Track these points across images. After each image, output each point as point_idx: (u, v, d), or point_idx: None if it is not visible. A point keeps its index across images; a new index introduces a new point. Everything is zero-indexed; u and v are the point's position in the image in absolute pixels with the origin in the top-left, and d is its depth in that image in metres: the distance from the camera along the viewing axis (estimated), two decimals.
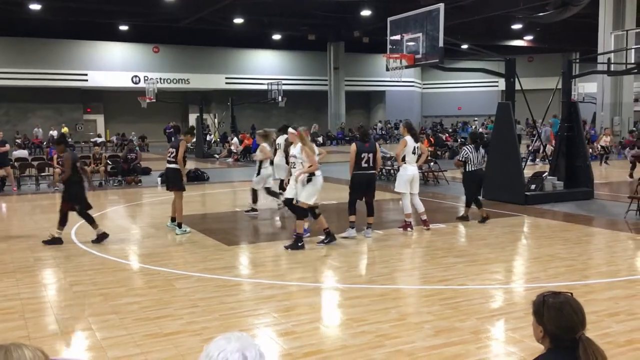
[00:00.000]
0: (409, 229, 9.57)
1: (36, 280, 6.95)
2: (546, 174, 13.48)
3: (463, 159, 10.39)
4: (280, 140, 11.70)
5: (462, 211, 10.90)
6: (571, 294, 2.44)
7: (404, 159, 9.58)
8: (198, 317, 5.48)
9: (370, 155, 9.05)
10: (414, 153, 9.53)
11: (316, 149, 8.83)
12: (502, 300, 6.12)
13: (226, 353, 1.64)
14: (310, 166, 8.37)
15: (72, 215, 8.96)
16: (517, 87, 12.76)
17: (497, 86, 44.13)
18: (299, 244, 8.25)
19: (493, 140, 13.46)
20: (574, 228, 9.88)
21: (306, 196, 8.39)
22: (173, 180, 9.80)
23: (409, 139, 9.52)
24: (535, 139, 21.39)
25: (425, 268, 7.46)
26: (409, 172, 9.50)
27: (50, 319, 5.55)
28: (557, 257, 7.75)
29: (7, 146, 16.28)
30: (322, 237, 8.61)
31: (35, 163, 17.25)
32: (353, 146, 9.14)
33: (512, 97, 12.89)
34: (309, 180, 8.37)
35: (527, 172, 13.49)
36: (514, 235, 9.65)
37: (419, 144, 9.66)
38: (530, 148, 21.36)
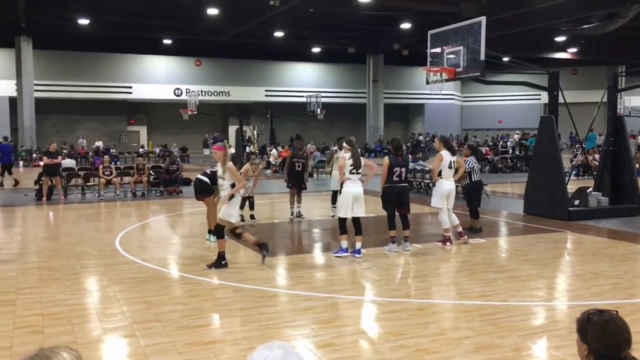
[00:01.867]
0: (447, 243, 9.49)
1: (82, 287, 7.16)
2: (590, 189, 13.17)
3: (469, 170, 10.56)
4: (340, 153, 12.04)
5: (476, 224, 10.76)
6: (616, 312, 2.40)
7: (440, 174, 9.52)
8: (237, 326, 5.55)
9: (403, 169, 9.03)
10: (450, 167, 9.46)
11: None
12: (545, 317, 6.00)
13: None
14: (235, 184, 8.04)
15: (120, 223, 9.19)
16: (560, 100, 12.55)
17: (539, 99, 43.41)
18: (222, 262, 7.94)
19: (535, 155, 13.25)
20: (620, 245, 9.62)
21: (227, 213, 8.09)
22: (199, 189, 9.81)
23: (444, 153, 9.46)
24: (579, 153, 20.92)
25: (465, 283, 7.38)
26: (445, 187, 9.43)
27: (95, 324, 5.71)
28: (602, 275, 7.56)
29: (60, 157, 16.90)
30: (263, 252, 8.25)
31: (81, 173, 17.76)
32: (386, 160, 9.14)
33: (555, 111, 12.67)
34: (230, 198, 8.04)
35: (571, 187, 13.21)
36: (556, 251, 9.45)
37: (455, 158, 9.59)
38: (573, 163, 20.90)
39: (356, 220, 8.69)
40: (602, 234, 10.73)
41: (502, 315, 5.87)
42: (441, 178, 9.49)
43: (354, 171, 8.59)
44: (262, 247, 8.28)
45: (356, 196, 8.59)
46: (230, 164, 8.12)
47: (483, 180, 11.49)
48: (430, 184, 16.47)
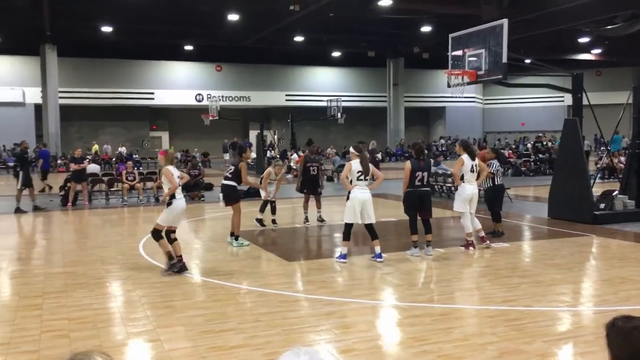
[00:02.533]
0: (470, 248, 9.41)
1: (107, 291, 7.24)
2: (616, 192, 12.96)
3: (494, 173, 10.52)
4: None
5: (499, 228, 10.67)
6: None
7: (462, 178, 9.46)
8: (261, 331, 5.57)
9: (425, 173, 8.99)
10: (472, 171, 9.40)
11: (176, 172, 8.19)
12: (570, 323, 5.91)
13: None
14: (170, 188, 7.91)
15: (143, 228, 9.27)
16: (585, 102, 12.38)
17: (562, 101, 42.93)
18: (178, 265, 7.89)
19: (559, 158, 13.08)
20: None
21: (161, 218, 7.99)
22: (228, 196, 10.08)
23: (465, 157, 9.39)
24: (604, 156, 20.62)
25: (488, 288, 7.30)
26: (467, 192, 9.36)
27: (120, 329, 5.77)
28: (629, 280, 7.42)
29: (86, 162, 17.17)
30: (173, 264, 7.92)
31: (105, 178, 17.99)
32: (407, 164, 9.09)
33: (580, 113, 12.51)
34: (169, 203, 7.90)
35: (596, 190, 13.02)
36: (582, 255, 9.31)
37: (476, 162, 9.51)
38: (598, 165, 20.60)
39: (369, 226, 8.66)
40: (629, 237, 10.54)
41: (527, 321, 5.80)
42: (463, 182, 9.43)
43: (361, 177, 8.56)
44: (170, 264, 7.90)
45: (364, 202, 8.53)
46: (165, 168, 7.96)
47: (505, 183, 11.40)
48: (452, 188, 16.38)
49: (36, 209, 15.10)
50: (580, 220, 11.80)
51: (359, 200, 8.50)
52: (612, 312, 6.08)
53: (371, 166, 8.83)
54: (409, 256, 8.94)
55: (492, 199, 10.79)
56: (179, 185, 8.04)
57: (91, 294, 7.00)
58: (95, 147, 37.03)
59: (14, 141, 36.13)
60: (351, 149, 8.93)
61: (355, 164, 8.59)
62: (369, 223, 8.63)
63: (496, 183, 10.66)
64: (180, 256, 7.97)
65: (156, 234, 7.99)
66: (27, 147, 16.31)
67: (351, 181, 8.62)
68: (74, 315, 6.16)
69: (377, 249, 8.62)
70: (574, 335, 5.47)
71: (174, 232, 8.05)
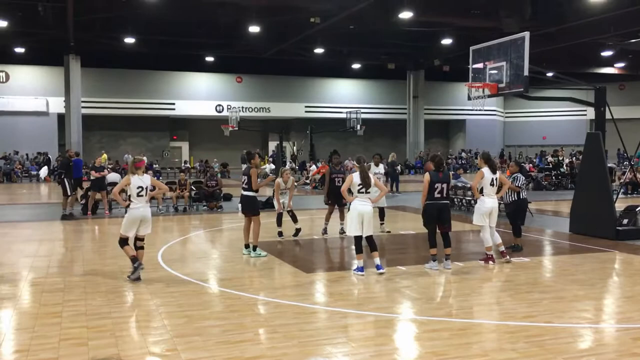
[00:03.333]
0: (490, 262, 9.30)
1: (125, 300, 7.28)
2: (639, 208, 12.73)
3: (520, 186, 10.40)
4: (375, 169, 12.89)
5: (519, 242, 10.52)
6: None
7: (481, 191, 9.37)
8: (278, 342, 5.54)
9: (444, 185, 8.94)
10: (492, 185, 9.30)
11: (144, 182, 8.28)
12: (592, 340, 5.80)
13: None
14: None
15: (162, 238, 9.30)
16: (608, 116, 12.22)
17: (585, 115, 42.48)
18: (137, 269, 8.08)
19: (581, 172, 12.91)
20: None
21: (123, 226, 8.25)
22: (247, 207, 10.13)
23: (486, 170, 9.30)
24: (627, 170, 20.32)
25: (509, 303, 7.20)
26: (486, 205, 9.27)
27: (138, 337, 5.79)
28: None
29: (106, 171, 17.37)
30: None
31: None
32: (427, 176, 9.05)
33: (602, 127, 12.35)
34: (126, 211, 8.16)
35: (619, 206, 12.80)
36: (604, 271, 9.14)
37: (497, 175, 9.41)
38: (622, 180, 20.29)
39: (368, 238, 8.65)
40: None
41: (548, 337, 5.70)
42: (482, 195, 9.34)
43: (362, 190, 8.57)
44: (135, 266, 8.11)
45: (364, 214, 8.54)
46: (126, 176, 8.27)
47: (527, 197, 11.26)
48: (472, 202, 16.24)
49: (64, 217, 15.61)
50: (602, 236, 11.61)
51: (359, 211, 8.52)
52: (635, 330, 5.95)
53: (374, 178, 8.88)
54: (427, 270, 8.87)
55: (516, 213, 10.64)
56: (151, 195, 8.34)
57: (110, 303, 7.04)
58: (104, 156, 37.37)
59: (38, 150, 36.78)
60: (354, 162, 8.98)
61: (356, 177, 8.62)
62: (368, 235, 8.63)
63: (521, 197, 10.53)
64: (135, 256, 8.16)
65: (120, 241, 8.25)
66: (72, 155, 16.97)
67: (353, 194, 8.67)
68: (92, 323, 6.20)
69: (377, 260, 8.63)
70: (595, 353, 5.36)
71: (140, 240, 8.27)
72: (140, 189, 8.19)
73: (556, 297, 7.27)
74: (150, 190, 8.46)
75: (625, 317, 6.57)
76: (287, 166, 30.83)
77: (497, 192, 9.51)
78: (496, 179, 9.34)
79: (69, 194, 15.75)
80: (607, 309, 7.15)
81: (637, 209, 12.56)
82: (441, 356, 5.16)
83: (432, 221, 9.03)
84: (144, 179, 8.30)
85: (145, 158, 36.61)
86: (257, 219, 10.05)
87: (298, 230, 12.08)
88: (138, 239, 8.27)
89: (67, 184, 15.75)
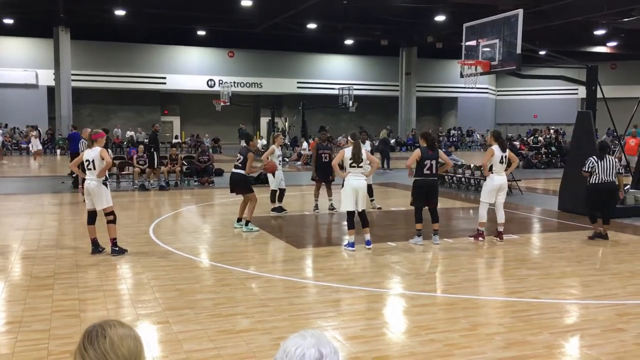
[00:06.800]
0: (480, 238, 9.40)
1: (117, 273, 7.32)
2: (628, 186, 12.87)
3: (589, 170, 9.64)
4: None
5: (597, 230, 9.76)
6: None
7: (491, 169, 9.39)
8: (268, 316, 5.61)
9: (434, 161, 9.00)
10: (501, 162, 9.32)
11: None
12: (578, 315, 5.91)
13: (303, 348, 1.69)
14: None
15: (154, 212, 9.30)
16: (599, 95, 12.27)
17: (576, 94, 42.51)
18: (117, 249, 8.19)
19: (572, 151, 12.99)
20: None
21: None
22: (240, 185, 10.14)
23: (496, 148, 9.31)
24: (617, 150, 20.45)
25: (497, 279, 7.31)
26: (495, 182, 9.31)
27: (129, 310, 5.84)
28: (639, 274, 7.39)
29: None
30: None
31: (116, 162, 18.07)
32: (417, 151, 9.10)
33: (593, 106, 12.40)
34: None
35: None
36: (591, 249, 9.27)
37: (507, 153, 9.42)
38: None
39: (361, 214, 8.71)
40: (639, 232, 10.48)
41: (534, 313, 5.81)
42: (492, 173, 9.36)
43: (354, 165, 8.61)
44: (94, 247, 8.28)
45: (358, 189, 8.59)
46: (105, 151, 8.28)
47: (516, 175, 11.25)
48: (462, 179, 16.32)
49: (162, 188, 16.43)
50: None
51: (353, 187, 8.56)
52: (620, 306, 6.07)
53: (366, 152, 8.92)
54: (412, 244, 8.95)
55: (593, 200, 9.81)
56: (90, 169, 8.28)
57: (102, 276, 7.08)
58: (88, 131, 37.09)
59: (27, 123, 36.40)
60: (349, 137, 9.04)
61: (347, 152, 8.66)
62: (361, 210, 8.68)
63: (592, 182, 9.67)
64: (96, 240, 8.33)
65: (88, 218, 8.38)
66: (157, 129, 18.41)
67: (345, 168, 8.69)
68: (84, 296, 6.24)
69: (367, 236, 8.72)
70: (580, 328, 5.47)
71: (107, 214, 8.27)
72: (87, 162, 8.25)
73: (544, 274, 7.38)
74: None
75: (611, 293, 6.69)
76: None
77: (506, 170, 9.53)
78: (505, 156, 9.36)
79: (155, 166, 16.80)
80: (592, 285, 7.26)
81: (625, 188, 12.69)
82: (429, 330, 5.25)
83: (421, 197, 9.10)
84: (92, 152, 8.24)
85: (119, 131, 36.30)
86: (253, 195, 10.08)
87: (280, 209, 12.08)
88: (105, 213, 8.26)
89: (155, 157, 16.86)
